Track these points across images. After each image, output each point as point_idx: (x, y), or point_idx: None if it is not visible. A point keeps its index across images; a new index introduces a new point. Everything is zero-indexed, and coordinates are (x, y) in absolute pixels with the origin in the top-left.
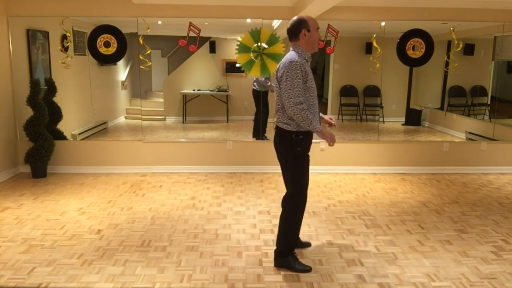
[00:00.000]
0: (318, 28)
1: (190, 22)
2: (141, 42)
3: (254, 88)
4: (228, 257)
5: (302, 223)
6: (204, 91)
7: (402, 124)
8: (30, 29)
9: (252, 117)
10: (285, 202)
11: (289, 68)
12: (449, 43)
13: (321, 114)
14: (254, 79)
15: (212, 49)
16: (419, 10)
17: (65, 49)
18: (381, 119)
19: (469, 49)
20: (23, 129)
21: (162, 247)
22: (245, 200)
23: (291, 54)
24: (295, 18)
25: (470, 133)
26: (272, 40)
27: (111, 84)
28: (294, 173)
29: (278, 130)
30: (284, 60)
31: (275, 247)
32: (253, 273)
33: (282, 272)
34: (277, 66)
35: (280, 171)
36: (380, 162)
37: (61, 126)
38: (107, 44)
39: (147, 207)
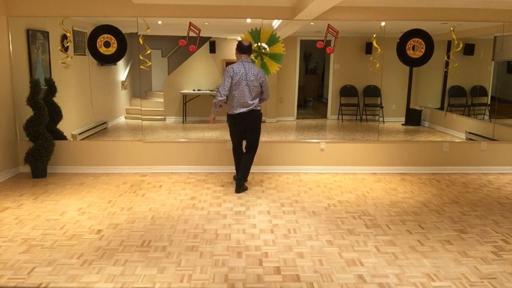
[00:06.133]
0: None
1: (190, 22)
2: (141, 42)
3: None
4: (228, 257)
5: (302, 222)
6: (204, 91)
7: (402, 124)
8: (30, 29)
9: None
10: (253, 150)
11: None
12: (449, 43)
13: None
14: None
15: (212, 49)
16: (419, 10)
17: (65, 49)
18: (381, 119)
19: (469, 49)
20: (23, 129)
21: (162, 247)
22: (245, 200)
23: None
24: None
25: (470, 133)
26: (272, 40)
27: (111, 84)
28: (260, 133)
29: (255, 111)
30: (259, 69)
31: (243, 182)
32: (253, 273)
33: (282, 272)
34: (257, 72)
35: (280, 170)
36: (380, 162)
37: (61, 126)
38: (107, 44)
39: (147, 207)
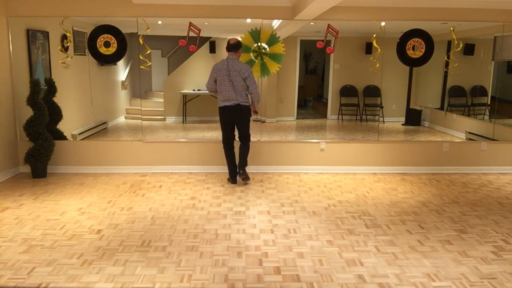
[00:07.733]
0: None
1: (190, 22)
2: (141, 42)
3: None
4: (228, 257)
5: (302, 222)
6: (204, 91)
7: (402, 124)
8: (30, 29)
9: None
10: (245, 139)
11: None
12: (449, 43)
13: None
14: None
15: (212, 49)
16: (419, 10)
17: (65, 49)
18: (381, 119)
19: (469, 49)
20: (23, 129)
21: (162, 247)
22: (245, 200)
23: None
24: (238, 38)
25: (470, 133)
26: (272, 40)
27: (111, 84)
28: (249, 125)
29: (241, 105)
30: (243, 65)
31: (244, 168)
32: (253, 273)
33: (282, 272)
34: (240, 68)
35: (280, 170)
36: (380, 162)
37: (61, 126)
38: (107, 44)
39: (147, 207)
